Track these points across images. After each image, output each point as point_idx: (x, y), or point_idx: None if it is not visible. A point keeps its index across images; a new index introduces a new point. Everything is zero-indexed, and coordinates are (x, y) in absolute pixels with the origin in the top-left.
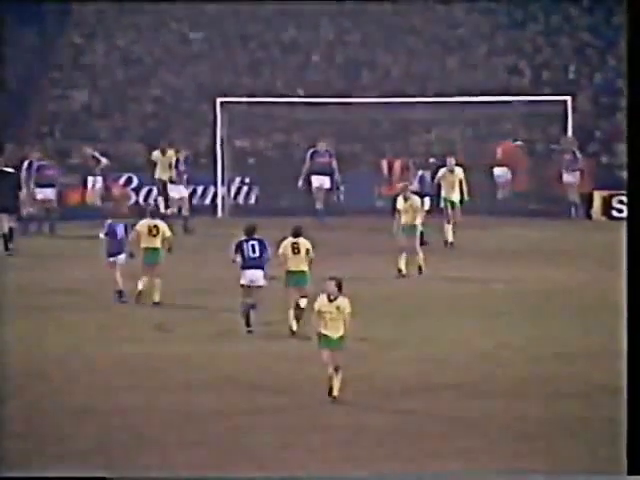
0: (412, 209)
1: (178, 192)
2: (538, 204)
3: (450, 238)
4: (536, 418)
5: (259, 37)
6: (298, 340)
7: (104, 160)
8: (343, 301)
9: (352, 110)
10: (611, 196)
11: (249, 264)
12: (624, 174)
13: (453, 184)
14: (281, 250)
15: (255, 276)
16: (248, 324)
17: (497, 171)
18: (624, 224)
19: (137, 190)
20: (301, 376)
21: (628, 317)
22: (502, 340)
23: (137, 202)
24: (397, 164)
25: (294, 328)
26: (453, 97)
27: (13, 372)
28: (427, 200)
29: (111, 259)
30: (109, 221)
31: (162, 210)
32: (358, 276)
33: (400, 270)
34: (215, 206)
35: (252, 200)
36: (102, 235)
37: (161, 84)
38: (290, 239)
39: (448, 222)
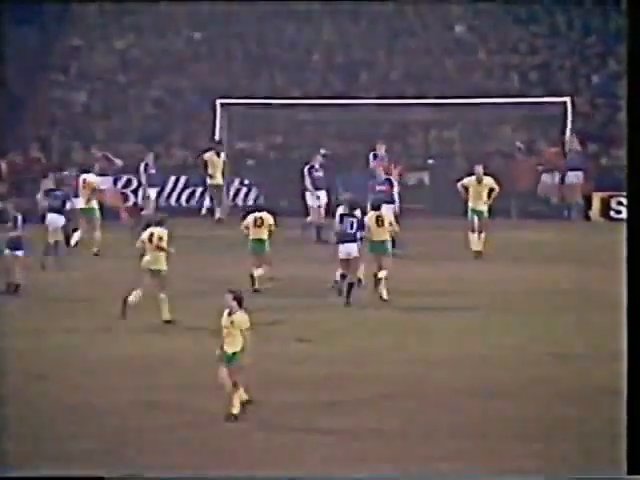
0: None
1: (318, 198)
2: (537, 205)
3: (477, 247)
4: (536, 419)
5: (258, 38)
6: (301, 342)
7: (118, 161)
8: (240, 316)
9: (351, 111)
10: (610, 197)
11: (345, 238)
12: (622, 175)
13: (480, 194)
14: (366, 221)
15: (350, 249)
16: (348, 296)
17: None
18: (623, 225)
19: (136, 192)
20: (300, 375)
21: (628, 318)
22: (501, 341)
23: (135, 204)
24: (395, 171)
25: (385, 296)
26: (452, 98)
27: (12, 373)
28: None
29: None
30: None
31: (218, 215)
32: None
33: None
34: (213, 207)
35: (250, 201)
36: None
37: (161, 86)
38: (374, 212)
39: (472, 231)
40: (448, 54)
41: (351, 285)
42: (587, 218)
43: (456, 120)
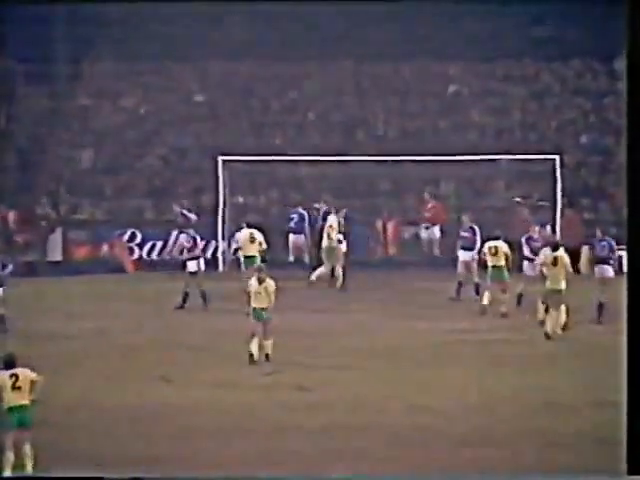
0: (266, 293)
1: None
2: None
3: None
4: (531, 466)
5: (259, 98)
6: (301, 391)
7: (193, 217)
8: (22, 373)
9: (349, 168)
10: None
11: (599, 261)
12: (610, 228)
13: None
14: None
15: (604, 270)
16: (599, 317)
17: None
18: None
19: (141, 245)
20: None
21: (628, 367)
22: (496, 391)
23: (140, 257)
24: (391, 225)
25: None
26: (446, 156)
27: None
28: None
29: None
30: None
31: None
32: (354, 328)
33: (252, 355)
34: (217, 260)
35: None
36: None
37: (165, 143)
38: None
39: (503, 291)
40: (442, 113)
41: (601, 306)
42: (577, 270)
43: (450, 176)
